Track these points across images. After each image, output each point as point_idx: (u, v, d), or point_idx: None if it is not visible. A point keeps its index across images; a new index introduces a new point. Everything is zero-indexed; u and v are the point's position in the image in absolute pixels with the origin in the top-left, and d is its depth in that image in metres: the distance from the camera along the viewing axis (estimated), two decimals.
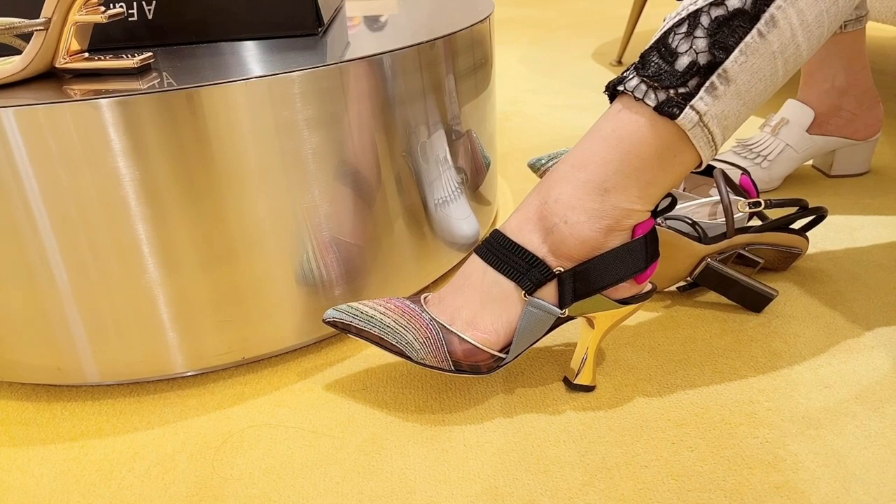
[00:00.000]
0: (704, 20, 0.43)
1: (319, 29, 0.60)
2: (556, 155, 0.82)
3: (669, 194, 0.49)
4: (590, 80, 1.37)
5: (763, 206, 0.61)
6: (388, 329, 0.49)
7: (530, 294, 0.47)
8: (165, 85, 0.46)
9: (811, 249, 0.69)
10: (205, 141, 0.47)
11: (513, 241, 0.48)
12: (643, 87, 0.44)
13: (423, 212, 0.62)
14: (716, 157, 0.72)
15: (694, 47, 0.43)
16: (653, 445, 0.47)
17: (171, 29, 0.59)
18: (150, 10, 0.58)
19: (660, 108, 0.43)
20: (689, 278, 0.61)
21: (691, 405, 0.50)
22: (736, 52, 0.42)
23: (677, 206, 0.65)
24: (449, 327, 0.48)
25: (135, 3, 0.57)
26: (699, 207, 0.65)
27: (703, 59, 0.43)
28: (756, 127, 1.01)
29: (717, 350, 0.56)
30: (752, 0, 0.42)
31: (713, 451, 0.46)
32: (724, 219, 0.63)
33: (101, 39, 0.57)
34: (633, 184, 0.45)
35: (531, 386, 0.53)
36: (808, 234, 0.65)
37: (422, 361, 0.48)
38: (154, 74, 0.49)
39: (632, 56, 1.51)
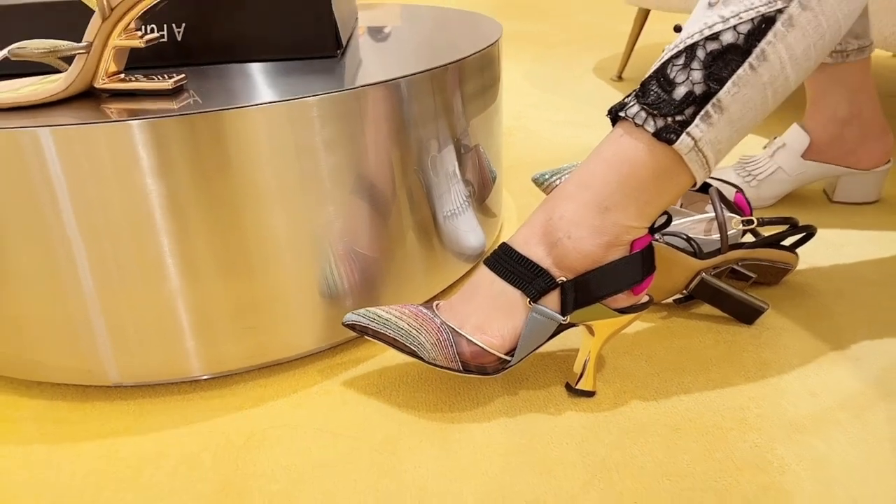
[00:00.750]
0: (700, 53, 0.46)
1: (338, 51, 0.64)
2: (559, 171, 0.85)
3: (665, 212, 0.53)
4: (591, 96, 1.41)
5: (755, 223, 0.64)
6: (402, 331, 0.52)
7: (535, 301, 0.51)
8: (195, 106, 0.49)
9: (801, 265, 0.73)
10: (227, 161, 0.50)
11: (519, 253, 0.51)
12: (643, 114, 0.47)
13: (433, 224, 0.65)
14: (712, 175, 0.76)
15: (690, 78, 0.46)
16: (649, 448, 0.50)
17: (198, 50, 0.62)
18: (179, 33, 0.61)
19: (658, 134, 0.47)
20: (684, 291, 0.64)
21: (686, 411, 0.54)
22: (729, 83, 0.46)
23: (674, 223, 0.68)
24: (459, 330, 0.52)
25: (165, 26, 0.61)
26: (695, 224, 0.69)
27: (698, 90, 0.46)
28: (761, 146, 1.05)
29: (710, 359, 0.59)
30: (745, 36, 0.45)
31: (705, 454, 0.49)
32: (718, 235, 0.66)
33: (133, 59, 0.61)
34: (632, 203, 0.49)
35: (535, 389, 0.56)
36: (797, 250, 0.68)
37: (432, 361, 0.52)
38: (186, 95, 0.53)
39: (632, 72, 1.55)
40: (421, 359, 0.52)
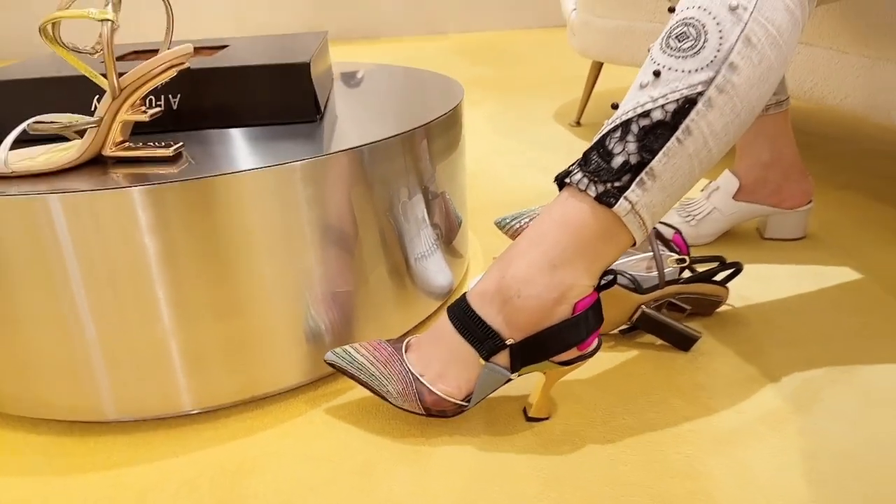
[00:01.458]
0: (634, 128, 0.54)
1: (318, 116, 0.72)
2: (519, 215, 0.94)
3: (610, 270, 0.59)
4: (550, 141, 1.51)
5: (688, 262, 0.73)
6: (374, 377, 0.60)
7: (486, 360, 0.58)
8: (192, 172, 0.57)
9: (733, 297, 0.82)
10: (219, 220, 0.57)
11: (475, 312, 0.58)
12: (585, 180, 0.54)
13: (405, 266, 0.73)
14: None
15: (626, 149, 0.54)
16: (595, 461, 0.57)
17: (192, 117, 0.70)
18: (175, 102, 0.69)
19: (599, 198, 0.54)
20: (628, 322, 0.73)
21: (628, 429, 0.61)
22: (660, 154, 0.53)
23: (618, 261, 0.76)
24: (420, 379, 0.59)
25: (163, 97, 0.68)
26: (636, 262, 0.78)
27: (633, 160, 0.53)
28: (700, 189, 1.15)
29: (651, 383, 0.67)
30: (671, 114, 0.53)
31: (644, 465, 0.57)
32: (656, 272, 0.75)
33: (135, 125, 0.68)
34: (579, 260, 0.55)
35: (497, 416, 0.63)
36: (728, 284, 0.77)
37: (399, 405, 0.60)
38: (184, 160, 0.60)
39: (589, 117, 1.66)
40: (389, 402, 0.60)
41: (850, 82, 0.91)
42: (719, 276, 0.78)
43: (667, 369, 0.69)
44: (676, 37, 0.54)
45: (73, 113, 0.63)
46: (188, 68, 0.60)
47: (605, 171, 0.54)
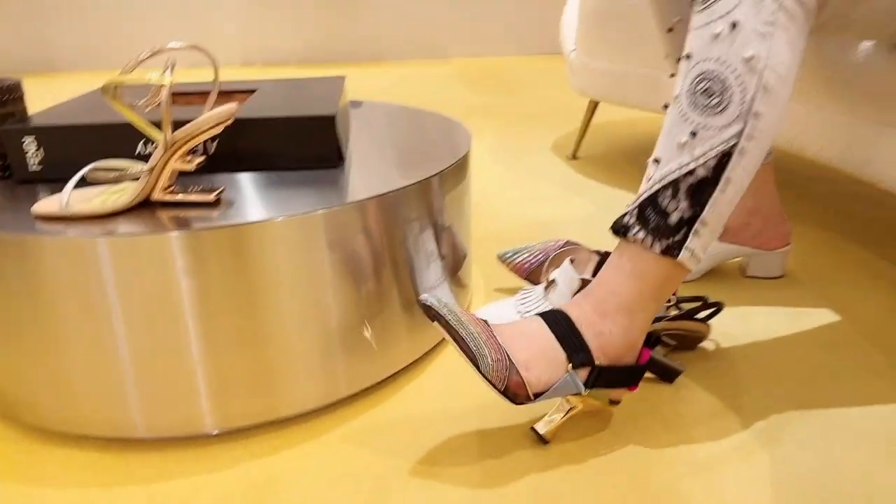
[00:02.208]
0: (682, 186, 0.62)
1: (341, 162, 0.79)
2: (519, 250, 1.01)
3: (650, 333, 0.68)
4: (548, 173, 1.58)
5: (672, 302, 0.80)
6: (472, 335, 0.62)
7: (574, 368, 0.64)
8: (230, 217, 0.64)
9: (714, 333, 0.89)
10: (248, 260, 0.64)
11: (576, 327, 0.65)
12: (650, 239, 0.63)
13: (415, 297, 0.79)
14: None
15: (679, 207, 0.62)
16: (587, 482, 0.64)
17: (227, 161, 0.77)
18: (212, 147, 0.76)
19: (664, 252, 0.63)
20: None
21: (617, 454, 0.68)
22: (708, 206, 0.62)
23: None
24: (513, 360, 0.63)
25: (202, 142, 0.75)
26: None
27: (686, 215, 0.62)
28: None
29: (637, 412, 0.74)
30: (713, 169, 0.61)
31: (630, 486, 0.64)
32: None
33: None
34: (652, 303, 0.65)
35: (501, 439, 0.70)
36: (710, 322, 0.85)
37: (485, 373, 0.61)
38: (224, 205, 0.67)
39: (585, 150, 1.74)
40: (477, 367, 0.61)
41: (827, 136, 0.99)
42: (702, 314, 0.85)
43: (652, 400, 0.76)
44: (703, 92, 0.61)
45: (119, 155, 0.70)
46: None
47: (665, 228, 0.63)
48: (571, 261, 0.88)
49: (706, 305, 0.83)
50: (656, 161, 0.64)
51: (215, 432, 0.70)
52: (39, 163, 0.74)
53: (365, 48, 3.41)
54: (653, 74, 1.39)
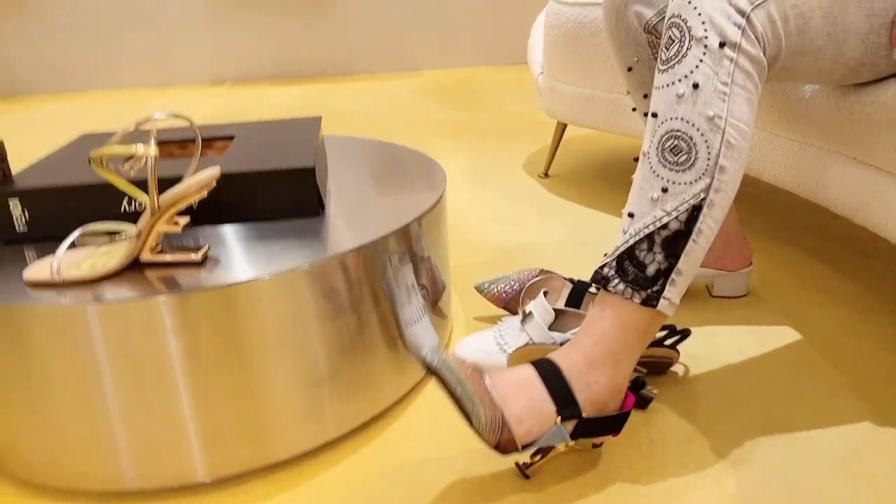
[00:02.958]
0: (657, 239, 0.66)
1: (321, 211, 0.82)
2: (496, 280, 1.05)
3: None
4: (521, 194, 1.62)
5: None
6: (468, 396, 0.65)
7: (562, 422, 0.68)
8: (215, 278, 0.66)
9: (683, 357, 0.94)
10: (236, 318, 0.67)
11: (567, 381, 0.68)
12: (630, 290, 0.67)
13: (398, 334, 0.82)
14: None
15: (656, 259, 0.66)
16: None
17: (210, 213, 0.79)
18: (195, 203, 0.78)
19: (644, 303, 0.66)
20: None
21: (591, 480, 0.72)
22: (682, 256, 0.66)
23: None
24: (506, 418, 0.65)
25: None
26: None
27: (663, 266, 0.66)
28: None
29: (613, 441, 0.78)
30: (685, 222, 0.65)
31: None
32: None
33: None
34: (636, 350, 0.69)
35: (488, 474, 0.74)
36: (678, 347, 0.89)
37: (478, 430, 0.65)
38: (210, 263, 0.70)
39: (556, 169, 1.78)
40: (470, 423, 0.64)
41: (781, 161, 1.04)
42: (669, 342, 0.89)
43: (627, 427, 0.80)
44: (671, 150, 0.66)
45: (104, 213, 0.72)
46: None
47: (643, 280, 0.67)
48: (545, 293, 0.92)
49: (674, 333, 0.87)
50: (630, 215, 0.68)
51: (209, 480, 0.73)
52: (25, 223, 0.76)
53: (335, 62, 3.43)
54: (616, 99, 1.44)
